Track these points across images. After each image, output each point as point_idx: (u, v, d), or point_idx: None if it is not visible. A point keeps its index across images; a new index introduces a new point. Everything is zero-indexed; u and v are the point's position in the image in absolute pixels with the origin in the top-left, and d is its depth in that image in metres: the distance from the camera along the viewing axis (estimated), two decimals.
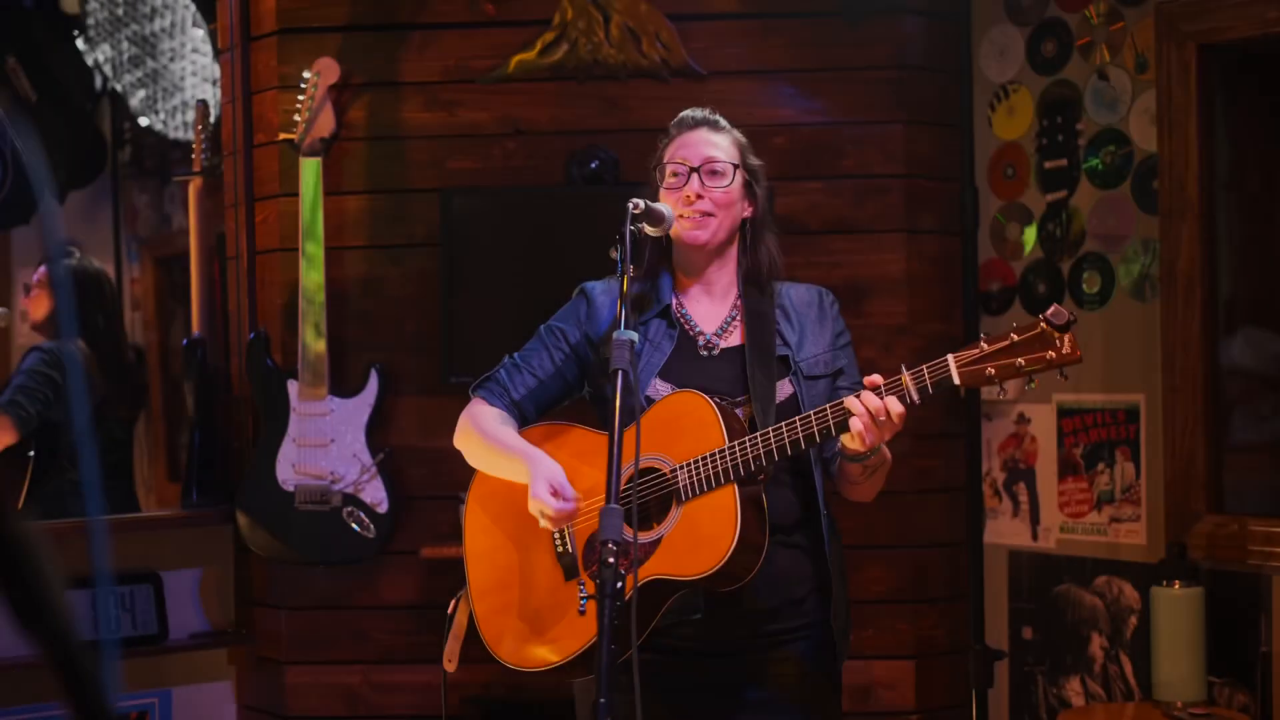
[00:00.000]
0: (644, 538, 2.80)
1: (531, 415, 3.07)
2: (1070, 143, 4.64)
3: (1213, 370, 4.33)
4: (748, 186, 3.03)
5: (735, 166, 2.99)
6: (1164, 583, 4.13)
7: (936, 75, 4.74)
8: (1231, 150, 4.41)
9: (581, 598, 2.85)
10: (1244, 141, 4.46)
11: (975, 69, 4.77)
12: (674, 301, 3.02)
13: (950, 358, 2.67)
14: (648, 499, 2.82)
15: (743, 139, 3.08)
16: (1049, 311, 2.63)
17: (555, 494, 2.84)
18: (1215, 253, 4.35)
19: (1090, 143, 4.59)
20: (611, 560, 2.45)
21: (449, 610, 3.16)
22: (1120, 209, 4.52)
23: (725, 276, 3.05)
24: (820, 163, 4.67)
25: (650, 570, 2.78)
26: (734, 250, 3.05)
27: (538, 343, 3.10)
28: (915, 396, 2.69)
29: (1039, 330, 2.63)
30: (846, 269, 4.65)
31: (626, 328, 2.68)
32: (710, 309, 3.04)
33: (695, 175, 2.95)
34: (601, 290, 3.08)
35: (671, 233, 2.95)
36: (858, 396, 2.70)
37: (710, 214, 2.95)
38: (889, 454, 2.87)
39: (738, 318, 3.02)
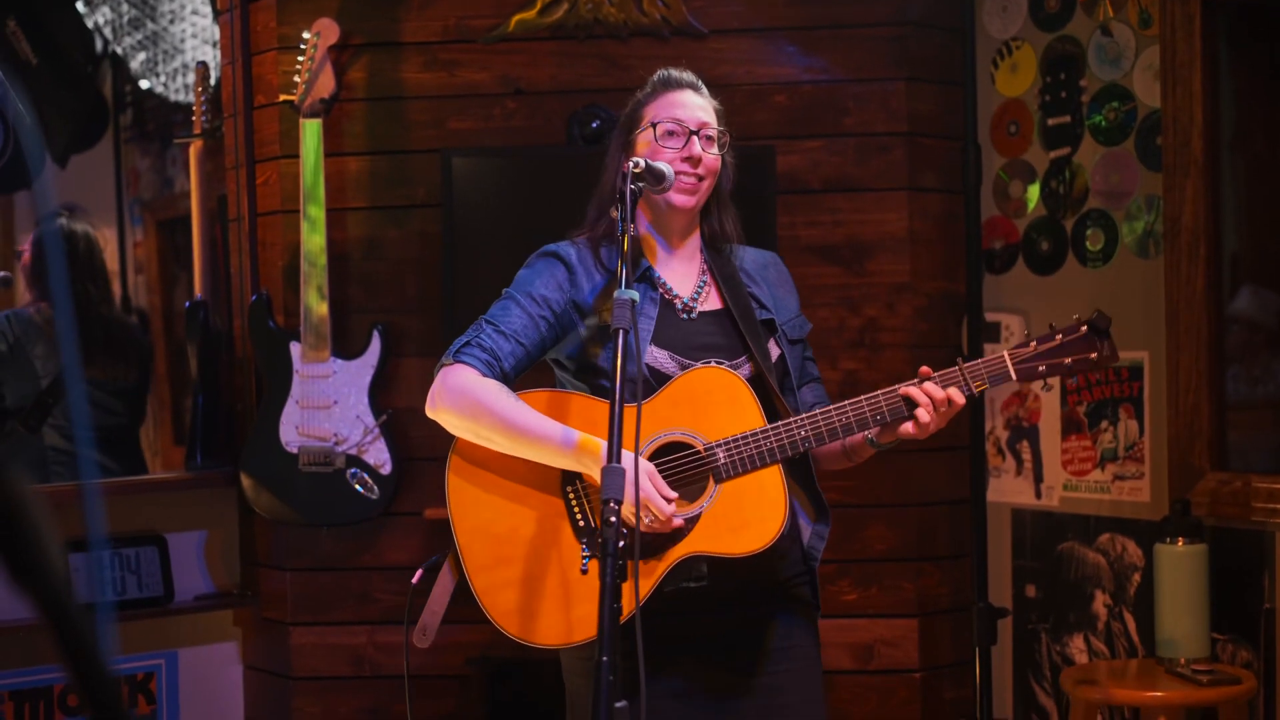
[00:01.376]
0: (681, 512, 2.79)
1: (512, 384, 2.95)
2: (1073, 99, 4.62)
3: (1217, 327, 4.32)
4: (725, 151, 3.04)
5: (723, 134, 2.99)
6: (1167, 540, 4.13)
7: (938, 32, 4.72)
8: (1236, 106, 4.39)
9: (584, 556, 2.83)
10: (1248, 97, 4.44)
11: (978, 25, 4.74)
12: (648, 263, 3.01)
13: (1006, 354, 2.85)
14: (687, 473, 2.82)
15: (719, 105, 3.08)
16: (1092, 315, 2.86)
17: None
18: (1219, 209, 4.34)
19: (1093, 99, 4.57)
20: (613, 519, 2.44)
21: (414, 581, 2.96)
22: (1124, 166, 4.50)
23: (693, 240, 3.04)
24: (822, 121, 4.65)
25: (690, 545, 2.78)
26: (698, 214, 3.05)
27: (516, 307, 2.95)
28: (974, 390, 2.84)
29: (1083, 332, 2.85)
30: (849, 227, 4.64)
31: (622, 287, 2.66)
32: (681, 272, 3.02)
33: (695, 138, 2.94)
34: (576, 255, 3.02)
35: (663, 194, 2.93)
36: (919, 386, 2.80)
37: (704, 178, 2.95)
38: None
39: (708, 281, 3.02)
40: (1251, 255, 4.49)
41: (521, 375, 2.97)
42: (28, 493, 1.10)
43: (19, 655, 4.59)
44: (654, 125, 2.97)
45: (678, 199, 2.93)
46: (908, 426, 2.82)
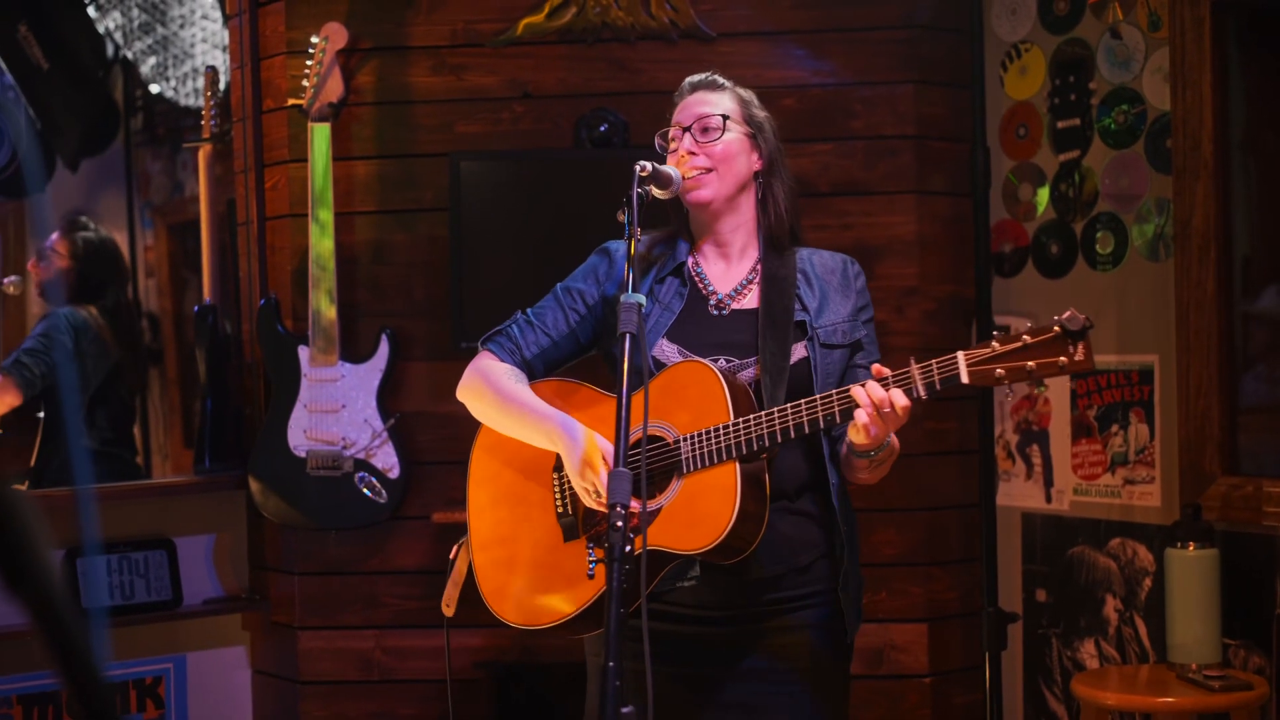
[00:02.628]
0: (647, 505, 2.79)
1: (539, 374, 3.05)
2: (1083, 102, 4.60)
3: (1228, 330, 4.30)
4: (752, 139, 3.01)
5: (725, 119, 2.96)
6: (1178, 544, 4.11)
7: (947, 35, 4.70)
8: (1246, 108, 4.37)
9: (590, 561, 2.85)
10: (1258, 99, 4.42)
11: (986, 28, 4.73)
12: (689, 260, 3.01)
13: (960, 355, 2.63)
14: (651, 467, 2.81)
15: (746, 94, 3.06)
16: (1064, 316, 2.57)
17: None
18: (1230, 212, 4.32)
19: (1103, 102, 4.56)
20: (620, 524, 2.44)
21: (450, 555, 3.14)
22: (1134, 168, 4.49)
23: (741, 236, 3.02)
24: (830, 124, 4.64)
25: (649, 540, 2.76)
26: (748, 208, 3.02)
27: (553, 301, 3.07)
28: (922, 392, 2.65)
29: (1053, 334, 2.57)
30: (857, 231, 4.63)
31: (635, 289, 2.67)
32: (726, 270, 3.01)
33: (687, 134, 2.95)
34: (623, 251, 3.05)
35: (681, 195, 2.95)
36: (863, 386, 2.67)
37: (709, 169, 2.94)
38: (897, 444, 2.84)
39: (754, 280, 2.99)
40: (1263, 257, 4.47)
41: (560, 366, 3.04)
42: (18, 498, 1.10)
43: (27, 660, 4.59)
44: (665, 135, 3.00)
45: (689, 196, 2.94)
46: (850, 431, 2.72)
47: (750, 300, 2.98)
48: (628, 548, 2.45)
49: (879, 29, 4.64)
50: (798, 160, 4.57)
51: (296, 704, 4.83)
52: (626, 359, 2.57)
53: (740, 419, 2.75)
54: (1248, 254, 4.38)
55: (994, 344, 2.62)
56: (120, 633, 4.75)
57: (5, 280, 5.77)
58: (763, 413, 2.75)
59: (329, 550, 4.79)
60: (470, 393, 3.05)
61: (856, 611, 2.99)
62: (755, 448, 2.74)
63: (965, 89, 4.66)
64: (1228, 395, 4.29)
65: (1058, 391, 4.64)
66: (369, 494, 4.62)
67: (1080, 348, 2.56)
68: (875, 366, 2.69)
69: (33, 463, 5.01)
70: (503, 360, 3.03)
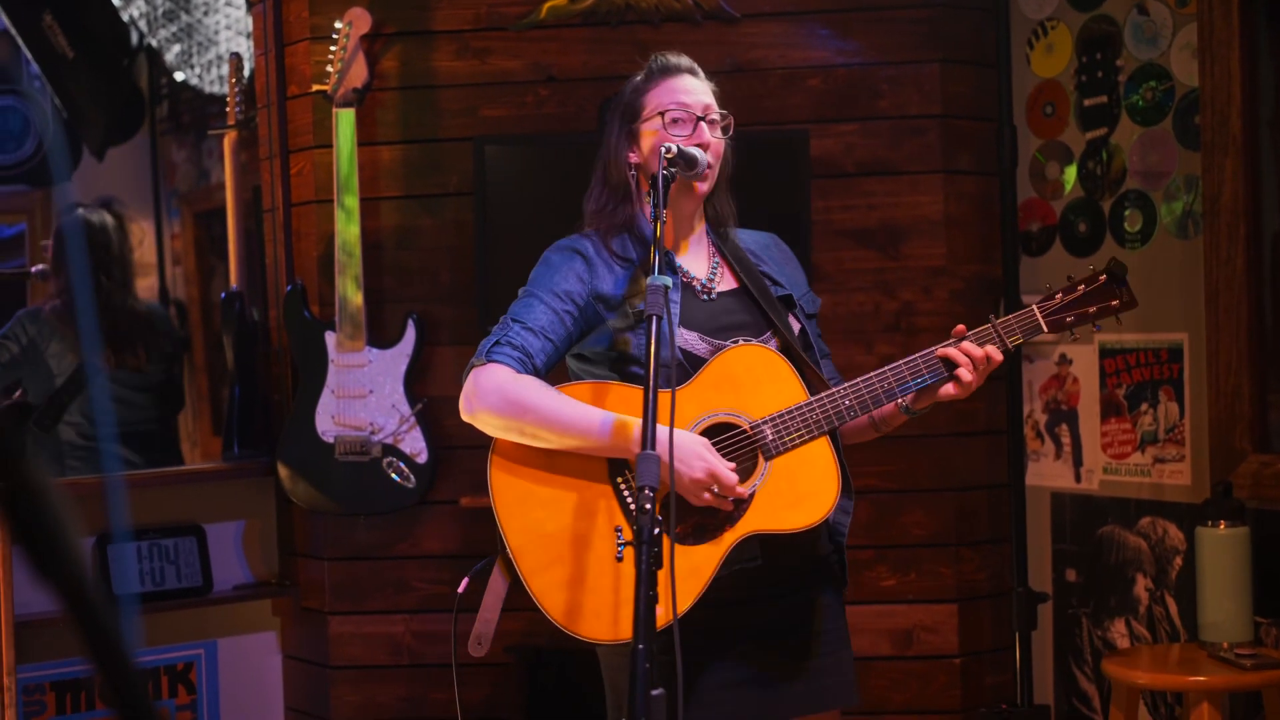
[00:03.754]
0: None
1: (544, 380, 2.99)
2: (1110, 79, 4.58)
3: (1257, 308, 4.27)
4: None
5: (725, 116, 2.99)
6: (1209, 523, 4.08)
7: (972, 13, 4.68)
8: (1275, 83, 4.33)
9: (619, 544, 2.81)
10: None
11: (1012, 6, 4.71)
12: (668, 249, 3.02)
13: (1035, 308, 2.89)
14: (737, 454, 2.81)
15: (715, 87, 3.07)
16: (1110, 264, 2.92)
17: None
18: (1259, 188, 4.29)
19: (1130, 79, 4.53)
20: (648, 506, 2.44)
21: (460, 590, 2.91)
22: (1162, 145, 4.46)
23: (700, 224, 3.06)
24: (856, 104, 4.62)
25: (748, 525, 2.78)
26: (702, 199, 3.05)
27: (540, 304, 2.94)
28: (1009, 345, 2.88)
29: (1103, 281, 2.91)
30: (883, 211, 4.61)
31: (635, 278, 2.69)
32: (694, 255, 3.04)
33: (702, 124, 2.94)
34: (592, 248, 3.00)
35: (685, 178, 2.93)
36: (955, 345, 2.84)
37: (710, 164, 2.95)
38: None
39: (720, 263, 3.03)
40: None
41: (550, 371, 2.97)
42: (49, 485, 1.10)
43: (59, 647, 4.62)
44: (661, 114, 2.96)
45: (694, 184, 2.93)
46: (949, 388, 2.85)
47: (727, 282, 3.01)
48: (655, 529, 2.44)
49: (904, 8, 4.62)
50: (823, 141, 4.57)
51: (327, 689, 4.85)
52: (653, 341, 2.57)
53: (823, 394, 2.82)
54: (1276, 230, 4.35)
55: (1059, 295, 2.91)
56: (151, 619, 4.77)
57: (34, 269, 5.78)
58: (846, 384, 2.84)
59: (358, 535, 4.80)
60: (497, 414, 2.85)
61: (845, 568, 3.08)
62: (845, 419, 2.84)
63: (991, 67, 4.65)
64: (1258, 373, 4.26)
65: (1086, 370, 4.62)
66: (397, 479, 4.62)
67: (1125, 290, 2.91)
68: (959, 327, 2.89)
69: None
70: (519, 372, 2.87)
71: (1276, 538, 4.14)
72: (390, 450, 4.63)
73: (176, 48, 6.74)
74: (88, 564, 1.10)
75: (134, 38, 7.06)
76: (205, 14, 6.63)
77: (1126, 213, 4.54)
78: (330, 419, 4.64)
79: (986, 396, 4.67)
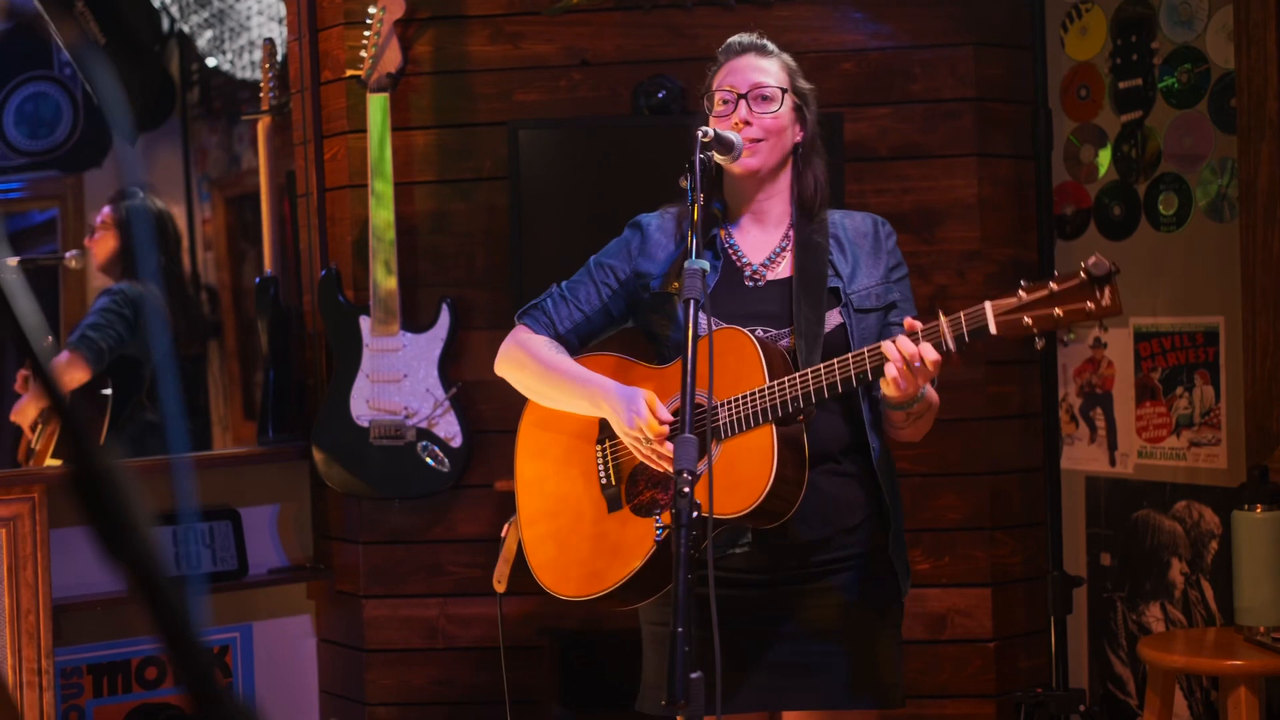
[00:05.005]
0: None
1: (575, 347, 3.07)
2: (1145, 62, 4.56)
3: None
4: (797, 111, 3.00)
5: (784, 91, 2.95)
6: (1245, 506, 4.08)
7: None
8: None
9: (658, 528, 2.85)
10: None
11: None
12: (721, 232, 3.00)
13: (987, 305, 2.63)
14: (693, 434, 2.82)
15: (792, 63, 3.04)
16: (1089, 262, 2.55)
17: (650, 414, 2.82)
18: None
19: (1165, 61, 4.51)
20: (687, 490, 2.46)
21: (502, 534, 3.22)
22: (1197, 128, 4.45)
23: (777, 206, 3.02)
24: (889, 88, 4.62)
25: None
26: (786, 178, 3.02)
27: (585, 276, 3.09)
28: (951, 345, 2.65)
29: (1079, 280, 2.56)
30: (917, 194, 4.60)
31: (682, 259, 2.69)
32: (760, 239, 3.01)
33: (743, 101, 2.93)
34: (656, 224, 3.06)
35: (721, 161, 2.93)
36: (893, 341, 2.67)
37: (760, 139, 2.92)
38: (935, 396, 2.87)
39: (787, 248, 2.99)
40: None
41: (593, 340, 3.06)
42: (117, 467, 1.11)
43: (97, 630, 4.65)
44: (712, 97, 2.97)
45: (739, 163, 2.92)
46: (882, 385, 2.71)
47: (781, 270, 2.98)
48: (695, 514, 2.47)
49: None
50: (857, 125, 4.57)
51: (361, 672, 4.87)
52: (691, 324, 2.58)
53: (774, 381, 2.77)
54: None
55: (1020, 293, 2.61)
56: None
57: (67, 255, 5.82)
58: (796, 374, 2.77)
59: (392, 519, 4.82)
60: (510, 365, 3.10)
61: (906, 573, 3.01)
62: (791, 409, 2.76)
63: (1025, 50, 4.64)
64: None
65: (1121, 354, 4.61)
66: (432, 463, 4.64)
67: (1107, 292, 2.54)
68: (907, 320, 2.71)
69: (102, 439, 5.00)
70: (537, 333, 3.07)
71: None
72: (425, 434, 4.64)
73: (208, 33, 6.76)
74: (158, 546, 1.11)
75: (165, 24, 7.08)
76: (237, 0, 6.65)
77: (1161, 196, 4.53)
78: (365, 403, 4.66)
79: (1020, 380, 4.67)
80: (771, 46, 3.04)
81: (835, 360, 2.74)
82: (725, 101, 2.96)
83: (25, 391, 5.16)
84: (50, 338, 5.25)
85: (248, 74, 6.67)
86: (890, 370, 2.65)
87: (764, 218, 3.01)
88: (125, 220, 5.40)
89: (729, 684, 2.85)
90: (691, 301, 2.61)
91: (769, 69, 2.98)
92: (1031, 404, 4.68)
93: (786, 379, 2.76)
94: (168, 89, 7.33)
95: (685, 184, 2.80)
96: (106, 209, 5.52)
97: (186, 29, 6.87)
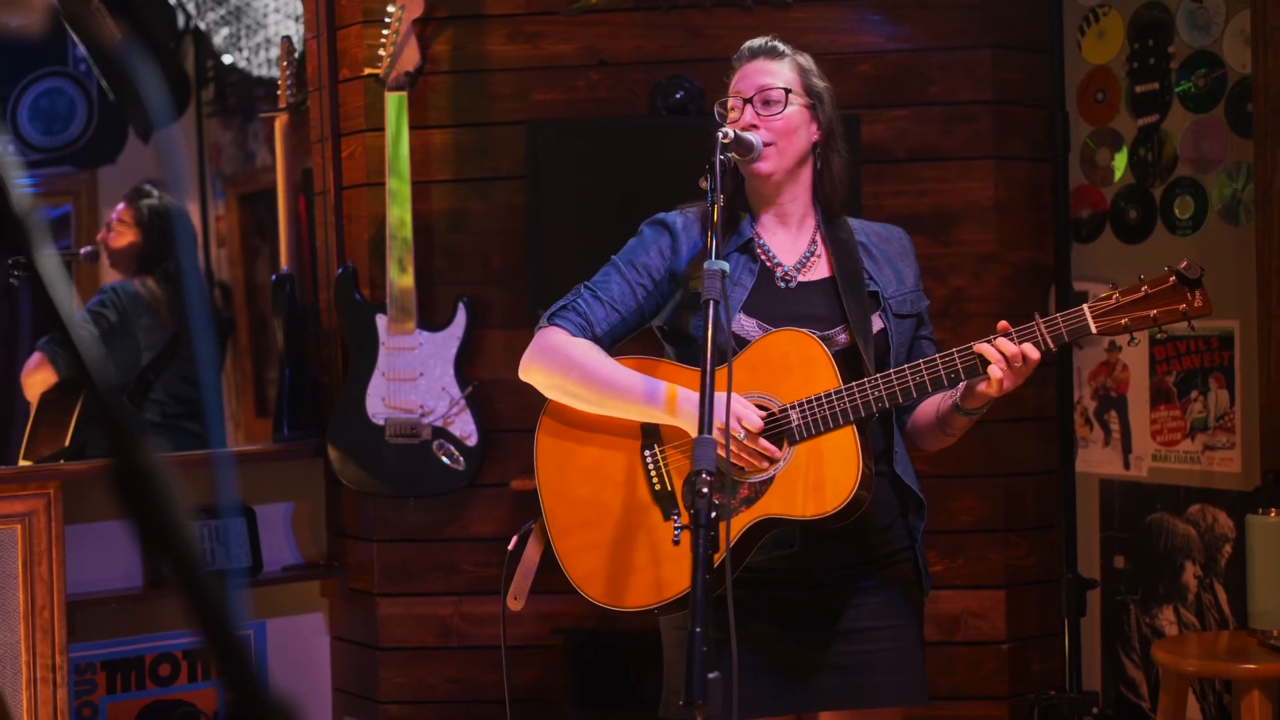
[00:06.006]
0: (755, 476, 2.80)
1: (607, 349, 3.01)
2: (1162, 66, 4.56)
3: None
4: (811, 110, 2.99)
5: (788, 92, 2.94)
6: (1259, 510, 4.07)
7: None
8: None
9: (676, 528, 2.85)
10: None
11: None
12: (753, 233, 3.00)
13: (1086, 308, 2.73)
14: (761, 435, 2.81)
15: (807, 62, 3.02)
16: (1182, 265, 2.70)
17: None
18: None
19: (1182, 65, 4.51)
20: (705, 490, 2.45)
21: (510, 547, 3.05)
22: (1213, 132, 4.45)
23: (800, 206, 3.01)
24: (907, 90, 4.62)
25: (764, 508, 2.78)
26: (806, 177, 3.00)
27: (616, 275, 3.02)
28: (1050, 344, 2.73)
29: (1171, 283, 2.70)
30: (934, 197, 4.61)
31: (716, 258, 2.67)
32: (788, 241, 3.00)
33: (749, 106, 2.92)
34: (681, 224, 3.05)
35: (740, 163, 2.92)
36: (990, 342, 2.72)
37: (770, 143, 2.91)
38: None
39: (817, 251, 2.99)
40: None
41: (621, 342, 3.02)
42: (157, 461, 1.12)
43: (110, 626, 4.66)
44: (724, 103, 2.98)
45: (751, 167, 2.92)
46: (982, 385, 2.75)
47: (816, 272, 2.98)
48: (713, 514, 2.46)
49: None
50: (874, 127, 4.57)
51: (375, 670, 4.88)
52: (711, 325, 2.58)
53: (853, 383, 2.77)
54: None
55: (1115, 295, 2.72)
56: None
57: (81, 251, 5.83)
58: (878, 375, 2.78)
59: (407, 517, 4.83)
60: (548, 371, 2.97)
61: (928, 574, 3.05)
62: (874, 410, 2.77)
63: (1043, 53, 4.64)
64: None
65: (1136, 357, 4.61)
66: (447, 461, 4.65)
67: (1199, 295, 2.72)
68: (1002, 323, 2.76)
69: (67, 441, 4.94)
70: (575, 335, 2.97)
71: None
72: (440, 433, 4.65)
73: (224, 31, 6.77)
74: (196, 541, 1.12)
75: (181, 21, 7.10)
76: None
77: (1177, 200, 4.53)
78: (381, 401, 4.67)
79: (1036, 383, 4.67)
80: (783, 48, 3.02)
81: (921, 361, 2.76)
82: (733, 107, 2.96)
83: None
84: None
85: (263, 71, 6.69)
86: (995, 371, 2.69)
87: (787, 219, 3.01)
88: (149, 220, 5.40)
89: (775, 686, 2.86)
90: (712, 302, 2.60)
91: (778, 71, 2.97)
92: (1046, 407, 4.69)
93: (867, 380, 2.77)
94: (183, 86, 7.34)
95: (705, 185, 2.80)
96: (121, 205, 5.52)
97: (203, 26, 6.89)
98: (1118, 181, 4.68)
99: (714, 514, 2.47)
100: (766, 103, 2.92)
